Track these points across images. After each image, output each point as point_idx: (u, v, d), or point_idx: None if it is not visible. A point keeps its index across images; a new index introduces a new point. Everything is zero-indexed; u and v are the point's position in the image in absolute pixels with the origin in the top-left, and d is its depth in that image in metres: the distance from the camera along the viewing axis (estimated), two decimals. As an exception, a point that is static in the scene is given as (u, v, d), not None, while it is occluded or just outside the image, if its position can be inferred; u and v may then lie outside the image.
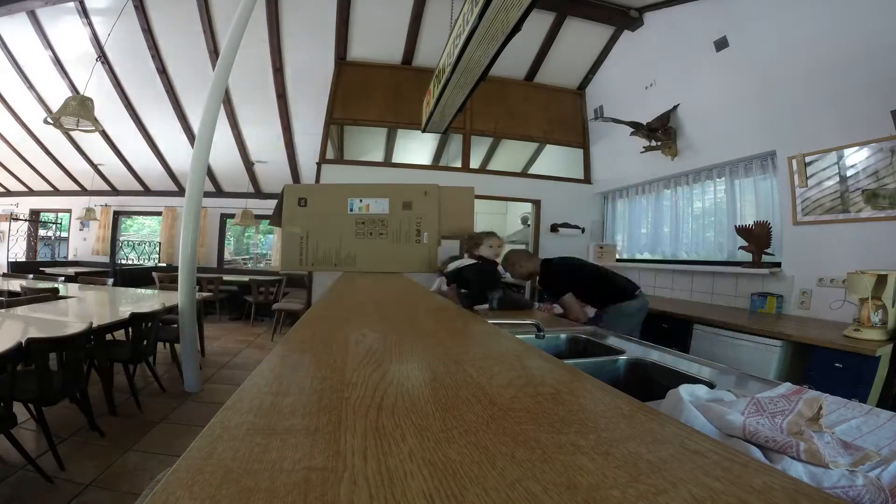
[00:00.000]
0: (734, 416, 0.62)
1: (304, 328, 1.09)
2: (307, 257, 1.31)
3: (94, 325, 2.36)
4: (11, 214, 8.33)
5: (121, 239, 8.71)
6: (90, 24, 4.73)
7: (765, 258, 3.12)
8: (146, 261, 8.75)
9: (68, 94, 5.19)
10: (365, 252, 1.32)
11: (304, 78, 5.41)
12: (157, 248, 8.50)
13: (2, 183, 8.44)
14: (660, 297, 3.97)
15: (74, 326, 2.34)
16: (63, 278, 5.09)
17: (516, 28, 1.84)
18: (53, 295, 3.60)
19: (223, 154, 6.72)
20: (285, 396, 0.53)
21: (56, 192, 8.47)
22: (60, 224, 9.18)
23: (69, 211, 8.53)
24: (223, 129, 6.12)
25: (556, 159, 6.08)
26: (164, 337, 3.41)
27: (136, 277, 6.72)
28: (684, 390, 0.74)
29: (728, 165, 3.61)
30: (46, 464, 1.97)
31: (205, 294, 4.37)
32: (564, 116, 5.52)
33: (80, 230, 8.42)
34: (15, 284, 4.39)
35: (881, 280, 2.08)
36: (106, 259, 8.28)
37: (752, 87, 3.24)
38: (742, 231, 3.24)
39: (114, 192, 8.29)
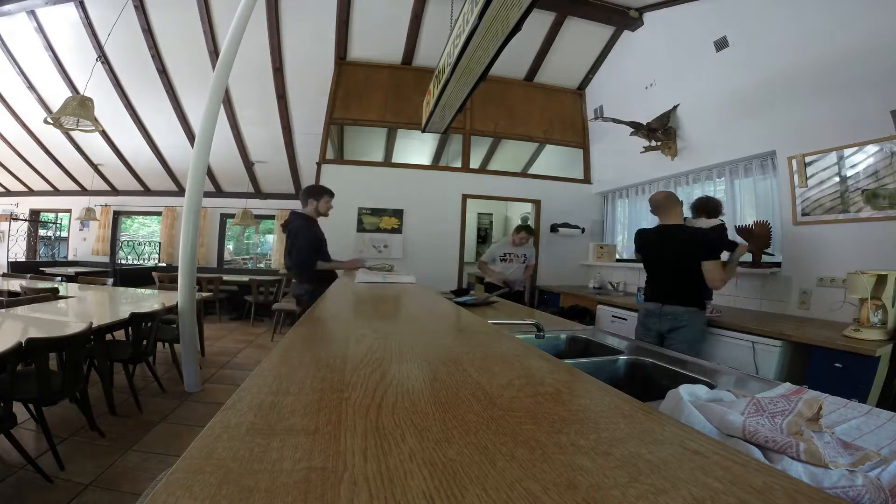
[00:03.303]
0: (734, 416, 0.62)
1: (305, 328, 1.09)
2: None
3: (94, 325, 2.36)
4: (11, 214, 8.33)
5: (121, 239, 8.71)
6: (90, 24, 4.73)
7: (765, 258, 3.12)
8: (146, 261, 8.75)
9: (68, 94, 5.19)
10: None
11: (304, 78, 5.41)
12: (157, 248, 8.49)
13: (2, 183, 8.44)
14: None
15: (74, 326, 2.33)
16: (62, 278, 5.09)
17: (516, 28, 1.84)
18: (53, 295, 3.60)
19: (223, 154, 6.72)
20: (285, 396, 0.53)
21: (56, 192, 8.46)
22: (60, 224, 9.17)
23: (69, 211, 8.52)
24: (223, 129, 6.12)
25: (556, 159, 6.08)
26: (163, 337, 3.41)
27: (136, 277, 6.72)
28: (684, 390, 0.73)
29: (728, 165, 3.61)
30: (46, 464, 1.97)
31: (205, 294, 4.36)
32: (564, 116, 5.52)
33: (80, 230, 8.42)
34: (15, 284, 4.39)
35: (881, 280, 2.08)
36: (106, 259, 8.28)
37: (752, 87, 3.24)
38: (742, 231, 3.24)
39: (114, 192, 8.29)
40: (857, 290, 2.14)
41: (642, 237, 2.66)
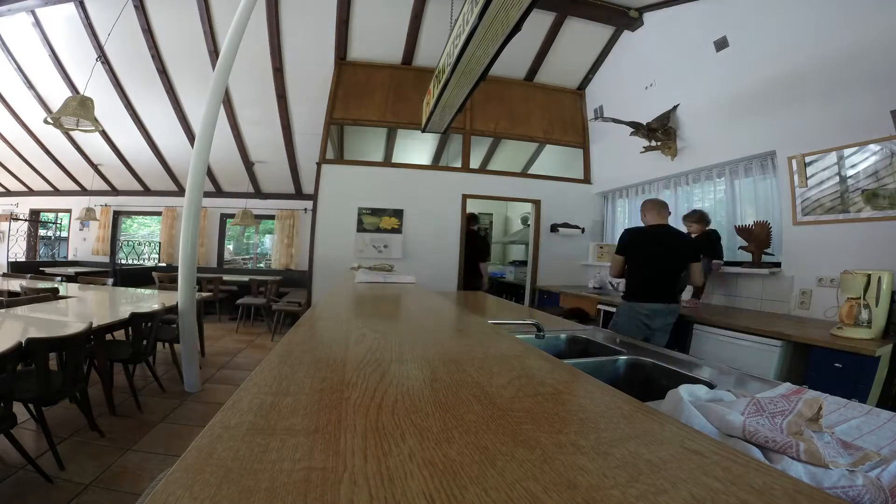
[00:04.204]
0: (734, 416, 0.62)
1: (305, 328, 1.09)
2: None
3: (94, 325, 2.36)
4: (11, 214, 8.33)
5: (121, 239, 8.71)
6: (90, 24, 4.73)
7: (765, 258, 3.12)
8: (146, 261, 8.75)
9: (68, 94, 5.20)
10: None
11: (304, 78, 5.41)
12: (157, 249, 8.50)
13: (2, 183, 8.44)
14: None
15: (74, 326, 2.33)
16: (62, 278, 5.09)
17: (516, 28, 1.84)
18: (53, 295, 3.60)
19: (223, 154, 6.73)
20: (285, 396, 0.53)
21: (56, 192, 8.47)
22: (60, 224, 9.18)
23: (69, 211, 8.53)
24: (223, 129, 6.12)
25: (556, 159, 6.08)
26: (163, 337, 3.41)
27: (136, 277, 6.72)
28: (684, 390, 0.73)
29: (728, 165, 3.61)
30: (46, 464, 1.97)
31: (205, 294, 4.36)
32: (564, 116, 5.52)
33: (80, 230, 8.42)
34: (15, 284, 4.38)
35: (871, 279, 2.09)
36: (106, 259, 8.28)
37: (752, 87, 3.24)
38: (742, 231, 3.24)
39: (114, 192, 8.29)
40: (850, 289, 2.15)
41: (634, 235, 2.77)
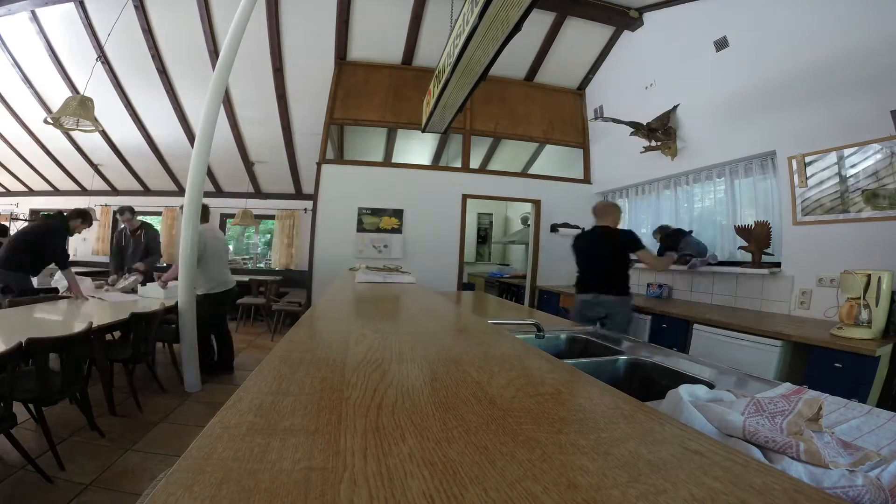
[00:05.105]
0: (734, 416, 0.62)
1: (305, 328, 1.09)
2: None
3: (94, 325, 2.36)
4: (11, 214, 8.33)
5: (121, 239, 8.70)
6: (90, 24, 4.73)
7: (765, 258, 3.12)
8: (146, 261, 8.74)
9: (68, 94, 5.19)
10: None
11: (304, 78, 5.41)
12: (157, 248, 8.49)
13: (2, 183, 8.44)
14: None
15: (74, 326, 2.33)
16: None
17: (516, 28, 1.84)
18: (53, 295, 3.60)
19: (223, 154, 6.72)
20: (285, 396, 0.53)
21: (56, 192, 8.46)
22: (60, 224, 9.16)
23: (69, 211, 8.52)
24: (223, 129, 6.12)
25: (556, 159, 6.08)
26: (163, 337, 3.40)
27: (136, 277, 6.70)
28: (684, 390, 0.73)
29: (728, 165, 3.61)
30: (46, 464, 1.97)
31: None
32: (564, 116, 5.52)
33: (80, 230, 8.42)
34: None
35: (871, 279, 2.09)
36: (106, 259, 8.28)
37: (752, 87, 3.24)
38: (742, 231, 3.24)
39: (114, 192, 8.29)
40: (850, 289, 2.15)
41: (580, 238, 3.29)
